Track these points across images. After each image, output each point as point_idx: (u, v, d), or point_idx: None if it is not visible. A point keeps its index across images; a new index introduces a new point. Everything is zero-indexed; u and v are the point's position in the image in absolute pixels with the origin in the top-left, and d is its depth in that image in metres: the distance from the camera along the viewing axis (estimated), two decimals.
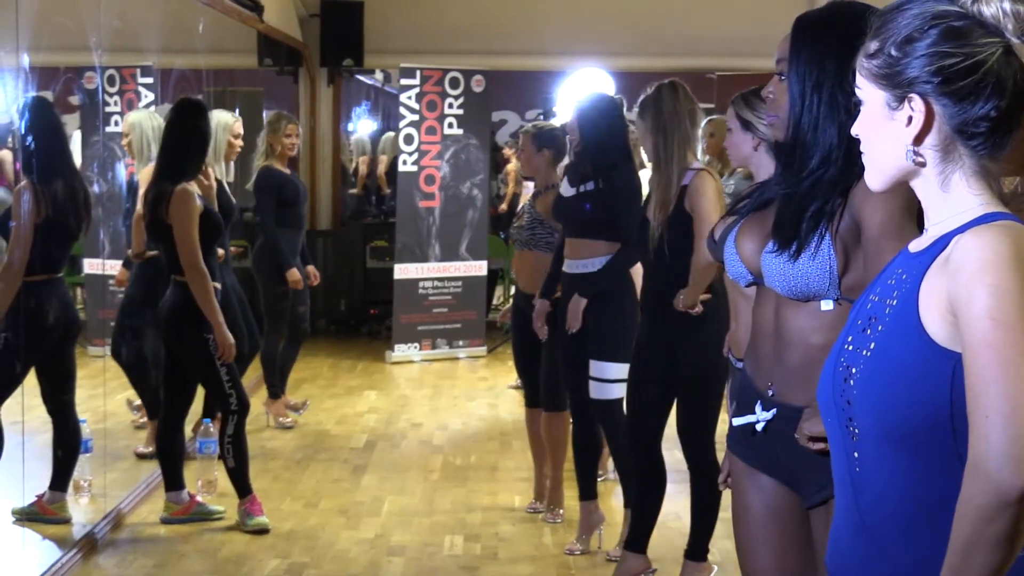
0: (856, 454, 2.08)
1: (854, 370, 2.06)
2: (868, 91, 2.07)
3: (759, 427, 3.11)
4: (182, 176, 6.12)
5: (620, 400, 5.64)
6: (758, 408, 3.11)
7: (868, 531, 2.08)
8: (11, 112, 6.30)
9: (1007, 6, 2.00)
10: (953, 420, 1.95)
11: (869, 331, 2.06)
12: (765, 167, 4.02)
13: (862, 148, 2.12)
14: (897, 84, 2.02)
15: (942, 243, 2.00)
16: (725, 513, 5.04)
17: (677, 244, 5.06)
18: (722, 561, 5.58)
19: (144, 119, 7.63)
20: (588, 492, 6.09)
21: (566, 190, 5.92)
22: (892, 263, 2.15)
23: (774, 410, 3.05)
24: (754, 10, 11.33)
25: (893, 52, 2.02)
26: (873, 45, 2.06)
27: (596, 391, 5.70)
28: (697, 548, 5.33)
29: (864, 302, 2.14)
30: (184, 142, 6.22)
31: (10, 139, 10.03)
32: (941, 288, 1.96)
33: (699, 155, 5.30)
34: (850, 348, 2.10)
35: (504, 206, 14.25)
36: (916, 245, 2.09)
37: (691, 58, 11.90)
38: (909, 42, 2.00)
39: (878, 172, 2.10)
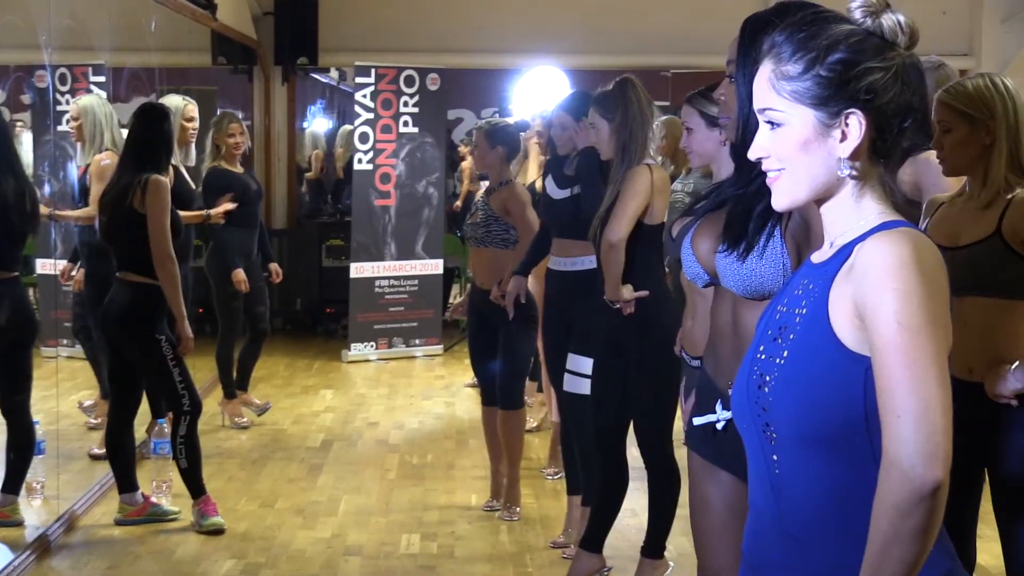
0: (775, 457, 2.14)
1: (768, 378, 2.12)
2: (793, 112, 2.10)
3: (719, 426, 3.15)
4: (152, 169, 6.09)
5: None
6: (718, 407, 3.16)
7: (788, 532, 2.14)
8: None
9: (901, 17, 2.09)
10: (867, 422, 2.02)
11: (780, 340, 2.12)
12: (727, 165, 4.01)
13: (772, 166, 2.15)
14: (832, 101, 2.06)
15: (845, 252, 2.06)
16: (682, 510, 5.05)
17: None
18: (678, 558, 5.59)
19: (96, 104, 7.49)
20: (575, 486, 6.08)
21: (554, 192, 5.92)
22: (797, 274, 2.22)
23: None
24: (709, 7, 11.35)
25: (823, 72, 2.06)
26: (794, 68, 2.09)
27: (569, 384, 5.70)
28: (654, 545, 5.33)
29: (772, 313, 2.20)
30: (150, 144, 6.20)
31: None
32: (848, 295, 2.02)
33: (652, 154, 5.28)
34: (763, 357, 2.16)
35: (459, 203, 14.23)
36: (818, 256, 2.16)
37: (646, 56, 11.93)
38: (844, 62, 2.05)
39: (801, 189, 2.13)
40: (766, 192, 2.92)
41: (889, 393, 1.95)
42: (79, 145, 7.55)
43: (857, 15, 2.09)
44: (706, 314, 3.87)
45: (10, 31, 7.01)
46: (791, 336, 2.10)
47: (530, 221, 6.25)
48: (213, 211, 7.99)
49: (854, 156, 2.08)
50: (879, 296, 1.96)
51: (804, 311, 2.10)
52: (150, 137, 6.23)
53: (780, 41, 2.11)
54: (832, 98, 2.06)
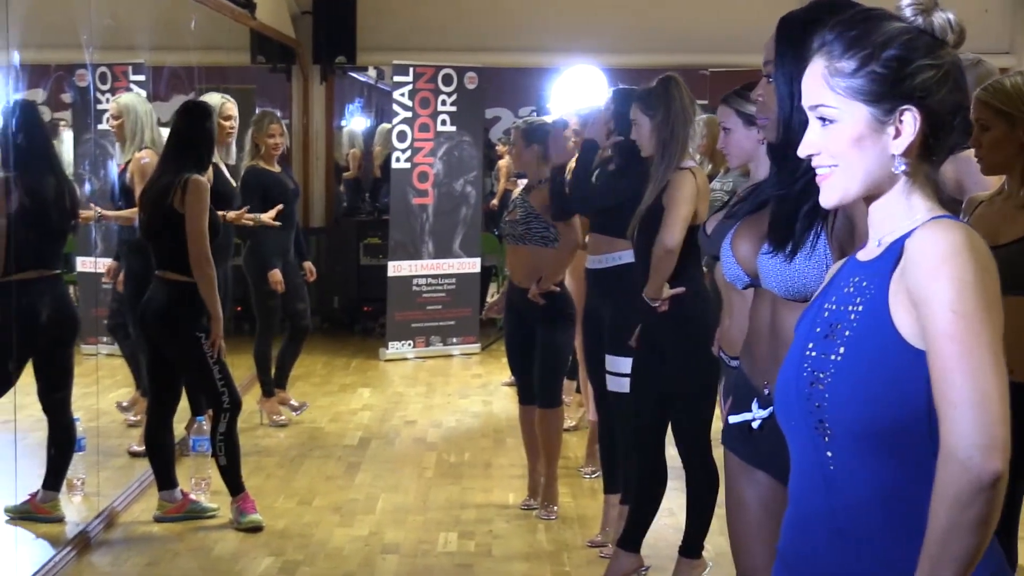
0: (829, 454, 2.13)
1: (822, 375, 2.11)
2: (847, 108, 2.11)
3: (755, 425, 3.14)
4: (194, 168, 6.11)
5: None
6: (755, 406, 3.15)
7: (840, 528, 2.13)
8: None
9: (951, 16, 2.10)
10: (929, 417, 2.00)
11: (834, 337, 2.12)
12: (765, 164, 4.00)
13: (823, 163, 2.16)
14: (887, 98, 2.08)
15: (897, 247, 2.07)
16: (720, 510, 5.04)
17: (650, 238, 5.06)
18: (716, 557, 5.57)
19: (136, 102, 7.50)
20: (612, 485, 6.08)
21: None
22: (841, 272, 2.22)
23: (770, 408, 3.05)
24: (748, 5, 11.29)
25: (878, 69, 2.07)
26: (848, 64, 2.10)
27: (611, 384, 5.71)
28: (692, 545, 5.32)
29: (819, 310, 2.20)
30: (192, 142, 6.22)
31: None
32: (904, 289, 2.02)
33: (692, 153, 5.26)
34: (813, 354, 2.15)
35: (495, 202, 14.24)
36: (865, 254, 2.16)
37: (684, 54, 11.87)
38: (899, 59, 2.07)
39: (853, 185, 2.14)
40: (812, 191, 2.93)
41: (945, 382, 1.94)
42: (119, 144, 7.56)
43: (907, 12, 2.10)
44: (743, 313, 3.86)
45: (52, 31, 7.05)
46: (846, 333, 2.09)
47: (571, 219, 6.25)
48: (263, 216, 7.95)
49: (907, 153, 2.09)
50: (933, 284, 1.96)
51: (860, 308, 2.09)
52: (192, 136, 6.25)
53: (831, 39, 2.13)
54: (886, 95, 2.07)
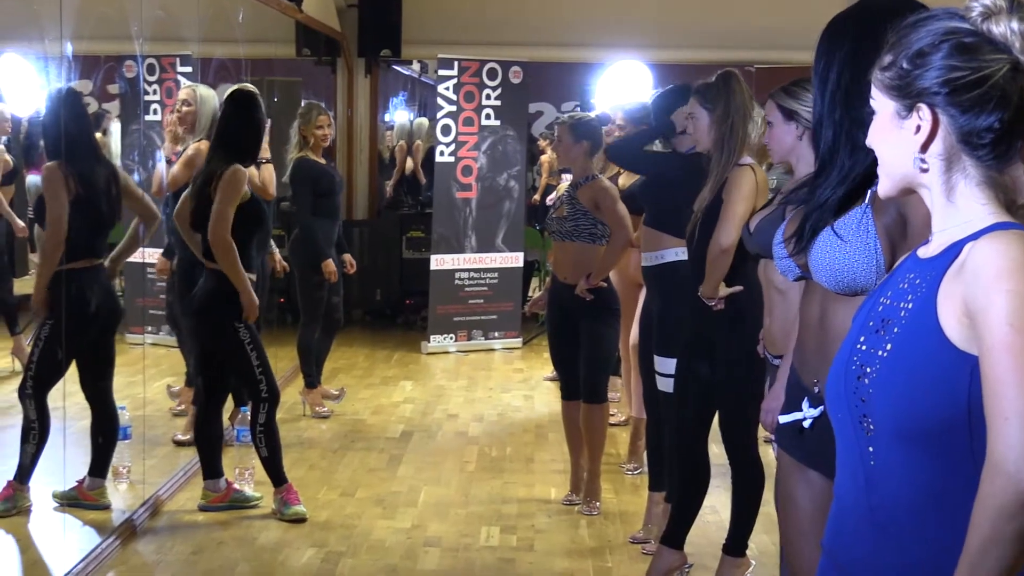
0: (870, 449, 2.14)
1: (869, 369, 2.13)
2: (880, 101, 2.17)
3: (806, 424, 3.13)
4: (237, 159, 6.13)
5: None
6: (805, 405, 3.14)
7: (879, 524, 2.14)
8: (41, 100, 6.33)
9: (1015, 25, 2.08)
10: (970, 420, 2.01)
11: (883, 332, 2.13)
12: (806, 159, 4.00)
13: (878, 156, 2.21)
14: (907, 95, 2.11)
15: (954, 250, 2.07)
16: (765, 507, 5.04)
17: (710, 235, 5.04)
18: (760, 556, 5.57)
19: (210, 96, 7.44)
20: (657, 482, 6.09)
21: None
22: (901, 267, 2.23)
23: (821, 408, 3.05)
24: (794, 2, 11.26)
25: (904, 65, 2.11)
26: (887, 58, 2.15)
27: (660, 383, 5.72)
28: (736, 543, 5.30)
29: (874, 304, 2.21)
30: (240, 131, 6.23)
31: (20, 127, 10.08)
32: (957, 293, 2.02)
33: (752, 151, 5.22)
34: (863, 348, 2.16)
35: (537, 197, 14.24)
36: (925, 251, 2.17)
37: (730, 51, 11.82)
38: (920, 55, 2.09)
39: (888, 179, 2.20)
40: (828, 186, 2.99)
41: (997, 395, 1.94)
42: (182, 130, 7.52)
43: (974, 13, 2.09)
44: (784, 312, 3.88)
45: (103, 23, 7.10)
46: (895, 329, 2.10)
47: (621, 215, 6.24)
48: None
49: (924, 149, 2.11)
50: (991, 298, 1.96)
51: (910, 305, 2.10)
52: (236, 125, 6.26)
53: (891, 36, 2.17)
54: (906, 90, 2.11)
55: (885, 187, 2.20)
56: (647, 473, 6.31)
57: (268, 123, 7.32)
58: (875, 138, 2.19)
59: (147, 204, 6.46)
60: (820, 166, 3.10)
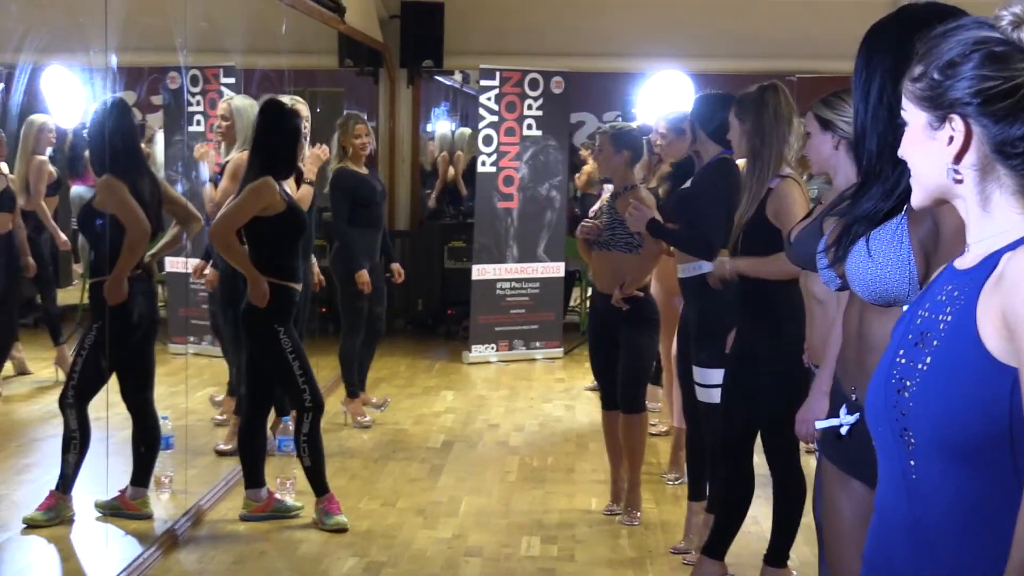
0: (912, 462, 2.12)
1: (909, 383, 2.11)
2: (912, 113, 2.15)
3: (843, 431, 3.14)
4: (269, 171, 6.15)
5: None
6: (843, 412, 3.15)
7: (921, 537, 2.12)
8: (90, 111, 6.37)
9: None
10: (1012, 433, 1.99)
11: (923, 345, 2.11)
12: (844, 169, 4.00)
13: (910, 167, 2.20)
14: (939, 105, 2.09)
15: (992, 261, 2.05)
16: (806, 517, 5.02)
17: (754, 250, 5.02)
18: (800, 567, 5.54)
19: (247, 106, 7.48)
20: (697, 493, 6.07)
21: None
22: (939, 279, 2.21)
23: (858, 414, 3.05)
24: (836, 11, 11.20)
25: (935, 75, 2.09)
26: (918, 69, 2.13)
27: (701, 395, 5.71)
28: (777, 554, 5.28)
29: (913, 317, 2.19)
30: (271, 142, 6.24)
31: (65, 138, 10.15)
32: (996, 305, 2.00)
33: (791, 163, 5.19)
34: (902, 361, 2.15)
35: (578, 200, 14.21)
36: (962, 262, 2.15)
37: (772, 60, 11.79)
38: (951, 66, 2.07)
39: (921, 190, 2.18)
40: (871, 199, 2.97)
41: None
42: (222, 145, 7.56)
43: (1004, 22, 2.07)
44: (824, 321, 3.88)
45: (148, 33, 7.14)
46: (934, 342, 2.08)
47: None
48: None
49: (957, 160, 2.08)
50: None
51: (949, 318, 2.08)
52: (268, 136, 6.27)
53: (920, 45, 2.15)
54: (937, 101, 2.09)
55: (918, 198, 2.19)
56: (688, 483, 6.29)
57: (306, 133, 7.36)
58: (907, 149, 2.17)
59: (188, 208, 6.50)
60: (864, 177, 3.09)
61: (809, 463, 5.48)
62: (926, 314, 2.15)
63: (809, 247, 3.66)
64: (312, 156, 7.71)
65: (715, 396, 5.46)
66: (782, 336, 4.93)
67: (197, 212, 6.59)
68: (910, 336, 2.16)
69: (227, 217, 6.13)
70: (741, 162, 5.42)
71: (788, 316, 4.92)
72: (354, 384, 8.68)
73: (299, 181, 7.25)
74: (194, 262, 7.99)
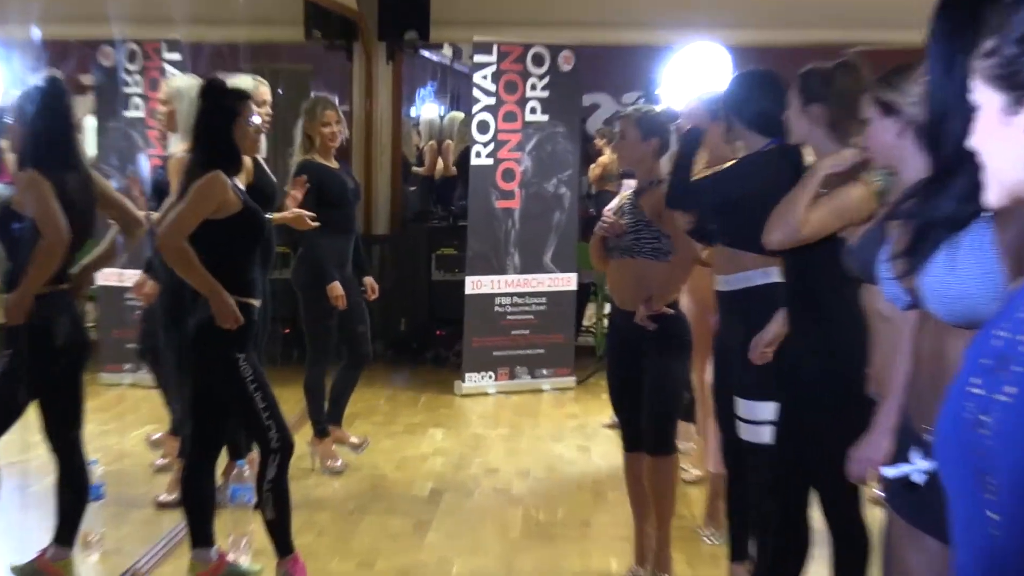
0: (993, 516, 2.05)
1: (987, 418, 2.04)
2: (984, 95, 2.10)
3: (917, 479, 3.10)
4: (218, 164, 6.10)
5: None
6: (915, 456, 3.11)
7: None
8: (14, 93, 6.31)
9: None
10: None
11: (1003, 372, 2.05)
12: (910, 161, 3.96)
13: (983, 159, 2.16)
14: (1016, 84, 2.05)
15: None
16: None
17: (805, 256, 4.99)
18: None
19: (191, 86, 7.36)
20: (740, 551, 6.03)
21: None
22: (1020, 294, 2.16)
23: None
24: None
25: (1011, 50, 2.04)
26: (990, 43, 2.08)
27: (745, 432, 5.65)
28: None
29: (987, 338, 2.14)
30: (212, 131, 6.19)
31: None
32: None
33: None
34: (977, 391, 2.09)
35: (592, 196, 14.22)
36: None
37: (824, 30, 11.78)
38: None
39: (996, 185, 2.13)
40: (953, 197, 2.90)
41: None
42: (168, 135, 7.52)
43: None
44: (891, 344, 3.82)
45: (75, 1, 7.11)
46: (1018, 369, 2.02)
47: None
48: (292, 204, 7.86)
49: None
50: None
51: None
52: (211, 123, 6.22)
53: (992, 15, 2.10)
54: (1014, 79, 2.04)
55: (993, 195, 2.13)
56: (728, 541, 6.24)
57: (267, 120, 7.31)
58: (979, 138, 2.12)
59: (128, 209, 6.45)
60: (942, 169, 3.02)
61: (875, 514, 5.42)
62: (1006, 335, 2.09)
63: (870, 255, 3.62)
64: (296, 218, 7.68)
65: (763, 435, 5.40)
66: (840, 362, 4.87)
67: (140, 215, 6.54)
68: (984, 360, 2.10)
69: (175, 224, 6.06)
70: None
71: (842, 336, 4.87)
72: (322, 421, 8.65)
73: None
74: (132, 274, 7.94)
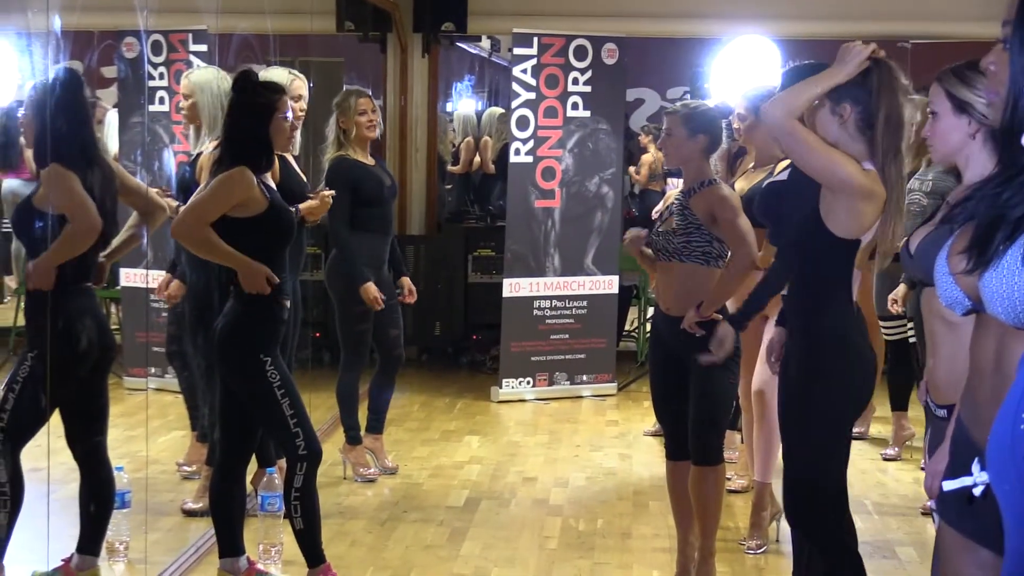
0: None
1: None
2: None
3: (977, 492, 3.08)
4: (245, 160, 6.12)
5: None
6: (976, 468, 3.09)
7: None
8: (34, 86, 6.35)
9: None
10: None
11: None
12: (977, 162, 3.97)
13: None
14: None
15: None
16: None
17: None
18: None
19: (213, 79, 7.45)
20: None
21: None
22: None
23: None
24: None
25: None
26: None
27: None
28: None
29: None
30: (242, 126, 6.21)
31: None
32: None
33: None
34: None
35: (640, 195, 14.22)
36: None
37: (879, 22, 11.77)
38: None
39: None
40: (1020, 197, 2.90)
41: None
42: (191, 130, 7.54)
43: None
44: (954, 351, 3.84)
45: None
46: None
47: (744, 231, 6.17)
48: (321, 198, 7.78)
49: None
50: None
51: None
52: (241, 118, 6.24)
53: None
54: None
55: None
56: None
57: (301, 116, 7.33)
58: None
59: (149, 198, 6.48)
60: (1015, 165, 3.01)
61: (927, 526, 5.45)
62: None
63: (934, 258, 3.63)
64: (321, 202, 7.58)
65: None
66: (819, 376, 4.97)
67: (161, 201, 6.57)
68: None
69: (194, 208, 6.09)
70: None
71: (833, 346, 4.95)
72: (355, 428, 8.64)
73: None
74: (156, 275, 7.97)
